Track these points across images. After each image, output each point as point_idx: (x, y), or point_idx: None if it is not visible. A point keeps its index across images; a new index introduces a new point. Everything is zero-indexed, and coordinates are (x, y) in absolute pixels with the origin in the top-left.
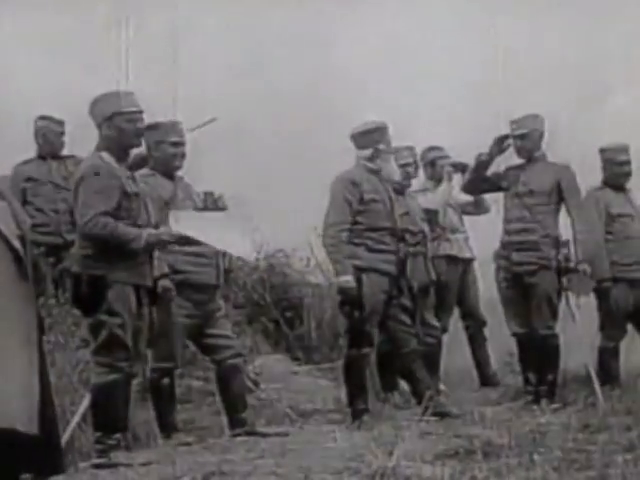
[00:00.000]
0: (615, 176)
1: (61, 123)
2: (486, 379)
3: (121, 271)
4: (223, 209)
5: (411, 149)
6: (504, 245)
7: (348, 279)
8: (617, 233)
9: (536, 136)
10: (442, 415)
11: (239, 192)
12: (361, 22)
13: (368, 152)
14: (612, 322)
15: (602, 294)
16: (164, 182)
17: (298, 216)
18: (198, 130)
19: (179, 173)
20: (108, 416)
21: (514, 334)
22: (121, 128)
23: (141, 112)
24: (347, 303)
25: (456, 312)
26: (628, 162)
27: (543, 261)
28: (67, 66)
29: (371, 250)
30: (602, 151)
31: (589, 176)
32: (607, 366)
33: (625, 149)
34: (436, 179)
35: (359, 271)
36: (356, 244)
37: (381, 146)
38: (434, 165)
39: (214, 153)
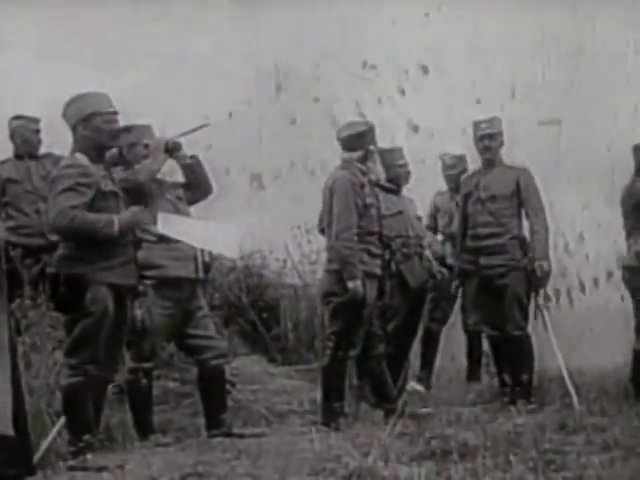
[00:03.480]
0: None
1: (36, 121)
2: (473, 377)
3: (101, 271)
4: None
5: (402, 150)
6: (471, 250)
7: (358, 284)
8: None
9: (501, 138)
10: (412, 416)
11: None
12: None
13: (359, 154)
14: None
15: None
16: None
17: (275, 217)
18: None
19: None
20: (76, 418)
21: (488, 336)
22: (98, 128)
23: (117, 113)
24: (348, 306)
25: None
26: None
27: (512, 262)
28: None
29: (371, 255)
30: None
31: None
32: None
33: None
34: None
35: (363, 276)
36: (359, 249)
37: (372, 147)
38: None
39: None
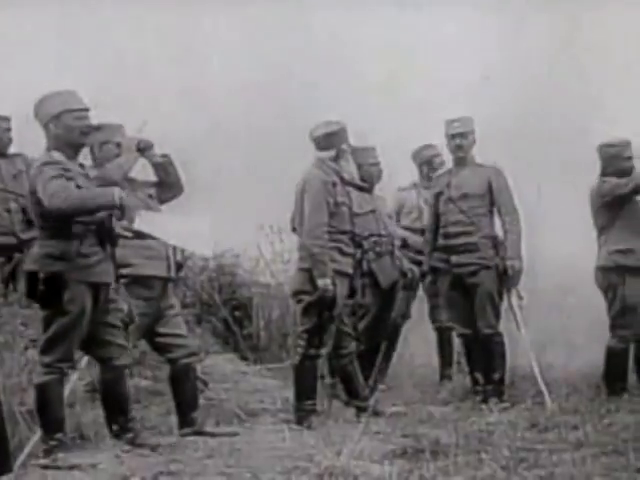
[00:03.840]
0: (621, 172)
1: (7, 119)
2: (444, 378)
3: (80, 270)
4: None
5: (375, 149)
6: (443, 249)
7: (328, 282)
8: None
9: (472, 137)
10: (378, 414)
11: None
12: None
13: (332, 153)
14: (627, 320)
15: (616, 289)
16: None
17: (247, 216)
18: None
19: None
20: (48, 416)
21: (460, 335)
22: (69, 126)
23: (87, 110)
24: (319, 305)
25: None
26: (632, 157)
27: (483, 261)
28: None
29: (342, 253)
30: (606, 147)
31: None
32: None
33: (629, 144)
34: (431, 178)
35: (334, 274)
36: (330, 247)
37: (344, 146)
38: (431, 164)
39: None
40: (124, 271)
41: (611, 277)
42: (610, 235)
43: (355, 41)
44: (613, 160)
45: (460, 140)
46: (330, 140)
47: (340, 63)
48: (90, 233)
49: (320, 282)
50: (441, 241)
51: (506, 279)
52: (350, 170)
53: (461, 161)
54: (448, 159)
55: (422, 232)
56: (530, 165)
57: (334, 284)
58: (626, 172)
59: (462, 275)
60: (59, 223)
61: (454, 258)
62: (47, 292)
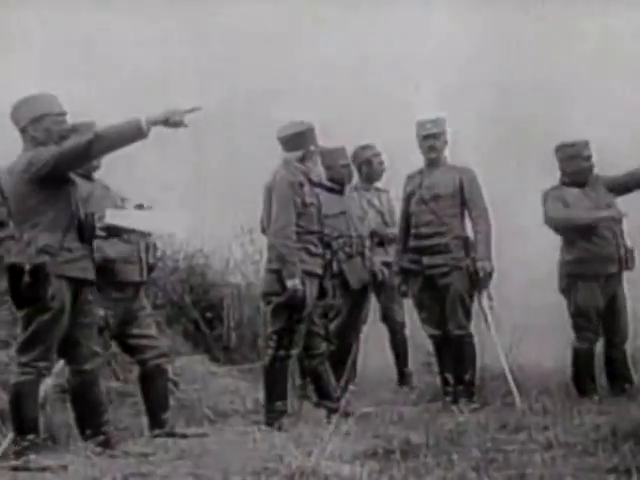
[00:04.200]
0: (581, 172)
1: None
2: (404, 380)
3: (62, 264)
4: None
5: (345, 150)
6: (414, 250)
7: (297, 282)
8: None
9: (444, 138)
10: (349, 415)
11: (154, 193)
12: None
13: (299, 154)
14: (584, 322)
15: (570, 293)
16: (81, 182)
17: (217, 217)
18: None
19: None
20: (23, 417)
21: (430, 336)
22: (48, 129)
23: (65, 114)
24: (289, 305)
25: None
26: (591, 157)
27: (455, 262)
28: None
29: (311, 254)
30: (564, 147)
31: None
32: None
33: (587, 143)
34: (371, 179)
35: (303, 275)
36: (298, 248)
37: (312, 147)
38: (370, 164)
39: (135, 154)
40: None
41: (567, 282)
42: (564, 242)
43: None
44: (572, 160)
45: (433, 141)
46: (297, 141)
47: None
48: (73, 227)
49: (289, 283)
50: (412, 242)
51: (477, 280)
52: (318, 171)
53: (433, 162)
54: (410, 160)
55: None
56: (504, 167)
57: (303, 284)
58: (585, 172)
59: (434, 276)
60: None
61: (426, 259)
62: (32, 285)
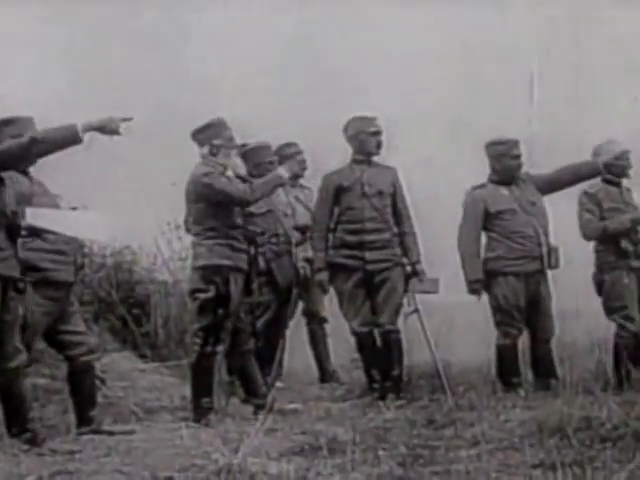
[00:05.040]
0: (509, 170)
1: None
2: (326, 376)
3: None
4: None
5: (270, 147)
6: (353, 245)
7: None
8: (500, 229)
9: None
10: (281, 412)
11: (83, 190)
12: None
13: (207, 148)
14: (505, 318)
15: (490, 290)
16: (20, 178)
17: (144, 213)
18: None
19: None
20: None
21: (355, 333)
22: None
23: None
24: (215, 302)
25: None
26: (520, 155)
27: (395, 258)
28: None
29: (234, 249)
30: (494, 145)
31: None
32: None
33: (517, 142)
34: (295, 175)
35: (228, 270)
36: (221, 244)
37: (217, 142)
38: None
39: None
40: (34, 275)
41: (487, 278)
42: (487, 240)
43: None
44: (501, 158)
45: (380, 137)
46: (203, 135)
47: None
48: (1, 226)
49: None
50: (351, 237)
51: (412, 281)
52: (232, 166)
53: (368, 158)
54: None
55: (296, 228)
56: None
57: (228, 281)
58: (512, 170)
59: (374, 272)
60: None
61: (368, 254)
62: None
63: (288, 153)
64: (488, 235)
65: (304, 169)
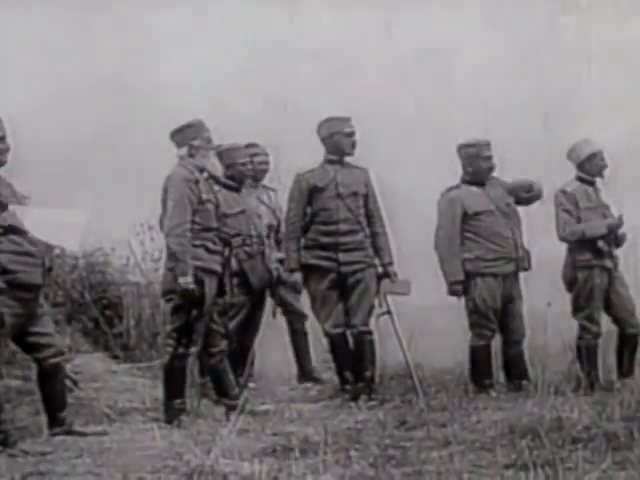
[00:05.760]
0: (481, 172)
1: None
2: (306, 375)
3: None
4: None
5: (243, 148)
6: (327, 246)
7: (188, 280)
8: (478, 230)
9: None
10: (253, 413)
11: (56, 190)
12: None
13: (185, 149)
14: (480, 319)
15: (467, 291)
16: None
17: (116, 214)
18: None
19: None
20: None
21: (328, 334)
22: None
23: None
24: (187, 303)
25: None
26: (491, 157)
27: (368, 259)
28: None
29: (209, 251)
30: (465, 147)
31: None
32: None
33: (489, 144)
34: (254, 177)
35: (202, 272)
36: (196, 245)
37: (196, 142)
38: (250, 163)
39: (32, 150)
40: (3, 277)
41: (465, 281)
42: (466, 241)
43: None
44: (473, 160)
45: (355, 138)
46: (181, 136)
47: None
48: None
49: (181, 280)
50: (324, 238)
51: (384, 282)
52: (210, 166)
53: (341, 159)
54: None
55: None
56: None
57: (201, 282)
58: (484, 172)
59: (347, 273)
60: None
61: (342, 256)
62: None
63: (250, 153)
64: (464, 236)
65: (265, 171)
